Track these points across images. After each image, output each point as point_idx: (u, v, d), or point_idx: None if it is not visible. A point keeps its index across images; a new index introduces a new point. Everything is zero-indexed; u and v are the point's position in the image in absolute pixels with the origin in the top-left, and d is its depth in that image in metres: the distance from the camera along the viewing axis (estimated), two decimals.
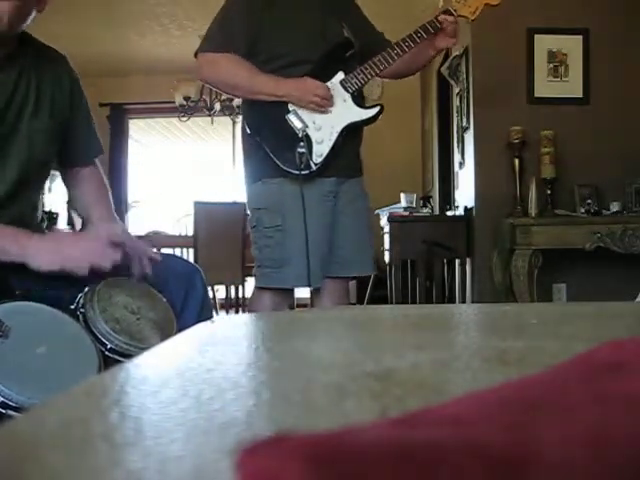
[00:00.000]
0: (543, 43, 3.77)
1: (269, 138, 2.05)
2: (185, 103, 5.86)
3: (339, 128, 2.06)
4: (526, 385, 0.33)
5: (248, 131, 2.09)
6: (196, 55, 2.09)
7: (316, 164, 2.02)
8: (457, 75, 4.27)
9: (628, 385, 0.31)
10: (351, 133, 2.10)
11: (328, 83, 2.06)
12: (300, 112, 2.04)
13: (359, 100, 2.11)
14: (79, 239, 1.42)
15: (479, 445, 0.23)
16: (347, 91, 2.07)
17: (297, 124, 2.03)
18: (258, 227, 2.10)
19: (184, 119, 6.12)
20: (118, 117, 6.81)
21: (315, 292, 2.20)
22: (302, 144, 2.01)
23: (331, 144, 2.04)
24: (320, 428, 0.32)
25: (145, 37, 5.78)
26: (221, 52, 2.03)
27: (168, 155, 9.78)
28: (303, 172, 2.01)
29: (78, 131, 1.61)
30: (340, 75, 2.07)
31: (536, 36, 3.76)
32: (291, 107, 2.04)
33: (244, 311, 4.98)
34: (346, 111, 2.08)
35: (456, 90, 4.41)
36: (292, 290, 2.24)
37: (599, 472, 0.21)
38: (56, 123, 1.52)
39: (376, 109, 2.11)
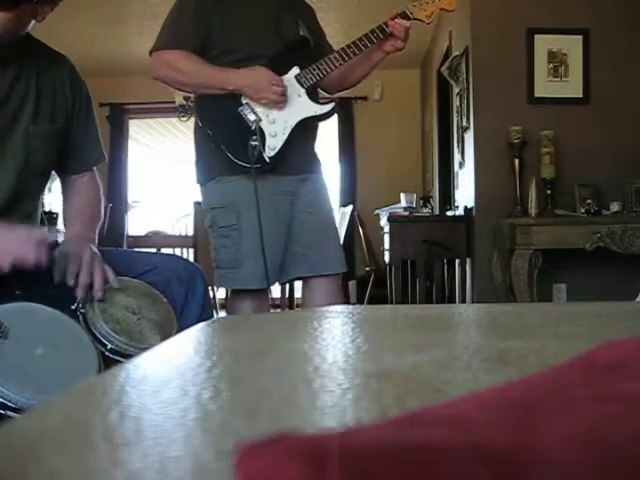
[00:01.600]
0: (543, 43, 3.77)
1: (221, 131, 2.02)
2: (185, 103, 5.86)
3: (293, 122, 2.04)
4: (526, 385, 0.33)
5: (200, 124, 2.06)
6: (151, 53, 2.07)
7: (269, 157, 2.00)
8: (457, 75, 4.27)
9: (628, 385, 0.31)
10: (306, 129, 2.08)
11: (283, 77, 2.03)
12: (254, 105, 2.01)
13: (314, 96, 2.09)
14: (6, 233, 1.29)
15: (480, 445, 0.23)
16: (302, 86, 2.05)
17: (250, 117, 2.00)
18: (214, 227, 2.08)
19: (184, 119, 6.13)
20: (118, 117, 6.81)
21: (306, 292, 2.19)
22: (255, 137, 1.98)
23: (285, 138, 2.02)
24: (320, 428, 0.32)
25: (145, 37, 5.77)
26: (172, 49, 2.02)
27: (168, 155, 9.77)
28: (256, 166, 1.98)
29: (77, 137, 1.56)
30: (295, 70, 2.06)
31: (536, 36, 3.76)
32: (244, 100, 2.01)
33: None
34: (301, 106, 2.06)
35: (456, 90, 4.41)
36: (267, 291, 2.18)
37: (599, 472, 0.21)
38: (56, 128, 1.49)
39: (330, 105, 2.10)
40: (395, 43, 2.08)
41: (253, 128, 1.99)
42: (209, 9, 2.04)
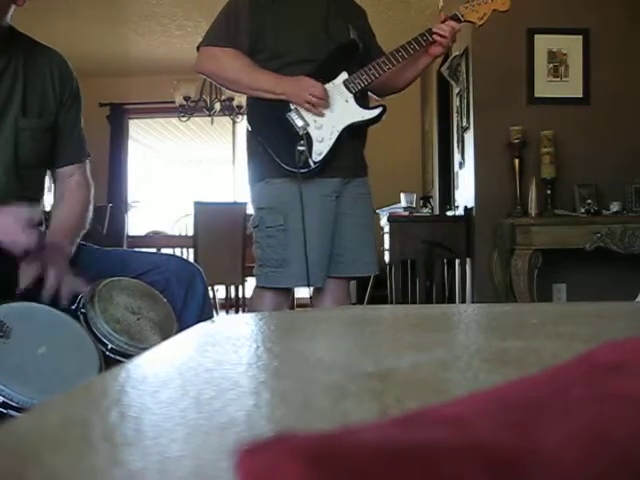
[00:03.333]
0: (543, 43, 3.77)
1: (270, 136, 2.06)
2: (185, 103, 5.86)
3: (340, 128, 2.06)
4: (526, 385, 0.33)
5: (249, 129, 2.11)
6: (198, 48, 2.11)
7: (315, 162, 2.02)
8: (457, 75, 4.27)
9: (628, 385, 0.31)
10: (354, 133, 2.10)
11: (331, 83, 2.06)
12: (302, 111, 2.04)
13: (362, 101, 2.11)
14: None
15: (479, 445, 0.23)
16: (350, 91, 2.07)
17: (298, 122, 2.03)
18: (260, 227, 2.11)
19: (184, 119, 6.12)
20: (118, 117, 6.81)
21: (316, 292, 2.21)
22: (302, 142, 2.01)
23: (331, 143, 2.04)
24: (320, 428, 0.32)
25: (145, 37, 5.78)
26: (223, 47, 2.04)
27: (168, 155, 9.78)
28: (302, 170, 2.01)
29: (64, 130, 1.55)
30: (344, 75, 2.07)
31: (536, 36, 3.76)
32: (293, 105, 2.04)
33: (244, 311, 4.98)
34: (348, 111, 2.08)
35: (456, 90, 4.41)
36: (291, 290, 2.24)
37: (599, 472, 0.21)
38: (45, 122, 1.48)
39: (378, 110, 2.11)
40: (443, 42, 2.09)
41: (300, 134, 2.02)
42: (262, 11, 2.06)
